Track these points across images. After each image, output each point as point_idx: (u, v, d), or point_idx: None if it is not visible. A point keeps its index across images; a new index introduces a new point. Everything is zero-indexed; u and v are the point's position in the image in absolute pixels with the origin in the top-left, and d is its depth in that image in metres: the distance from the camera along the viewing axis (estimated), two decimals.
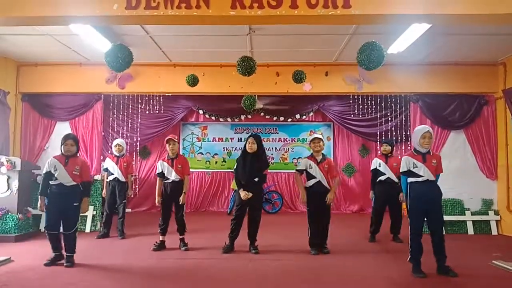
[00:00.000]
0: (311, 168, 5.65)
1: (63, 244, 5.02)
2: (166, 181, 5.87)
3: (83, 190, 5.10)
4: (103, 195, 7.07)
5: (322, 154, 5.76)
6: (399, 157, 6.22)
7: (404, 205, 9.60)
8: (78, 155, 5.16)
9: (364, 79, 7.92)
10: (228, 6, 4.20)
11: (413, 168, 4.61)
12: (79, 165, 5.01)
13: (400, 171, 4.80)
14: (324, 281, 4.44)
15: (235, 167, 5.80)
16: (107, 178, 6.90)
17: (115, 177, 6.79)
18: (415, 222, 4.64)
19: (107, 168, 6.92)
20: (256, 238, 5.74)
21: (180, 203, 5.86)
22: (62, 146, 4.99)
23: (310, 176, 5.68)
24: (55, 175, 4.89)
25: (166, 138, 5.93)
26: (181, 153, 10.66)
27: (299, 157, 10.70)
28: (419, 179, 4.59)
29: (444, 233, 4.83)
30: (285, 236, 6.94)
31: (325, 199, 5.59)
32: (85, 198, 5.12)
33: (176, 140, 5.95)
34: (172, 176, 5.82)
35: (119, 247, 6.12)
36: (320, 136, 5.77)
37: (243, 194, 5.56)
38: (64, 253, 5.00)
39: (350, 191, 10.38)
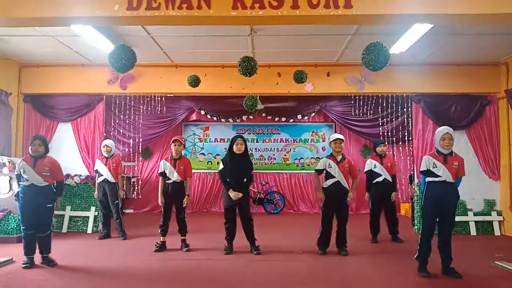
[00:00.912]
0: (330, 167, 5.61)
1: (37, 246, 5.00)
2: (167, 182, 5.86)
3: (56, 190, 5.07)
4: (95, 196, 7.05)
5: (342, 154, 5.74)
6: (393, 157, 6.20)
7: (404, 205, 9.65)
8: (47, 155, 5.08)
9: (366, 80, 7.90)
10: (230, 6, 4.20)
11: (433, 168, 4.59)
12: (48, 166, 4.96)
13: (420, 170, 4.80)
14: (326, 282, 4.43)
15: (220, 168, 5.74)
16: (97, 180, 6.91)
17: (105, 178, 6.80)
18: (427, 222, 4.63)
19: (97, 169, 6.93)
20: (255, 238, 5.74)
21: (184, 205, 5.87)
22: (30, 146, 4.97)
23: (329, 176, 5.63)
24: (26, 177, 4.87)
25: (173, 138, 5.95)
26: (183, 153, 10.68)
27: (301, 158, 10.72)
28: (436, 179, 4.57)
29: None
30: (286, 237, 6.94)
31: (344, 199, 5.56)
32: (57, 198, 5.11)
33: (183, 142, 5.96)
34: (174, 176, 5.81)
35: (121, 248, 6.13)
36: (342, 137, 5.75)
37: (233, 194, 5.53)
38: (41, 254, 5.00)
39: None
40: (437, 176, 4.56)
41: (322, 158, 5.98)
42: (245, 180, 5.66)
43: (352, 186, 5.71)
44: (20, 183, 4.96)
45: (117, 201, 6.84)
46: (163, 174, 5.88)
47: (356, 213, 10.05)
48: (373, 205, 6.71)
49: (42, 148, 5.00)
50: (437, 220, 4.63)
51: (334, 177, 5.58)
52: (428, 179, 4.66)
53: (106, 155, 6.89)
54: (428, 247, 4.59)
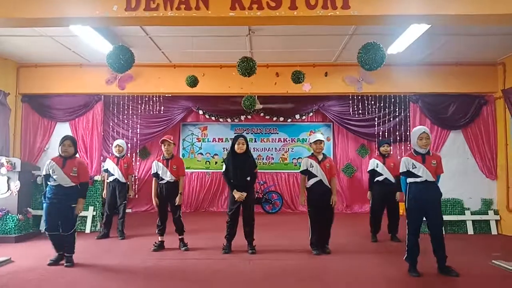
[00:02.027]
0: (312, 167, 5.65)
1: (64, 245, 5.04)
2: (161, 182, 5.86)
3: (80, 190, 5.09)
4: (103, 196, 7.07)
5: (323, 153, 5.79)
6: (398, 157, 6.22)
7: (402, 205, 9.69)
8: (76, 156, 5.13)
9: (364, 80, 7.92)
10: (228, 7, 4.21)
11: (412, 168, 4.63)
12: (76, 167, 4.99)
13: (400, 171, 4.82)
14: (323, 281, 4.45)
15: (224, 169, 5.74)
16: (107, 179, 6.91)
17: (115, 178, 6.79)
18: (412, 222, 4.66)
19: (107, 169, 6.93)
20: (253, 238, 5.75)
21: (176, 204, 5.86)
22: (60, 147, 4.99)
23: (311, 175, 5.67)
24: (54, 177, 4.90)
25: (161, 139, 5.95)
26: (181, 153, 10.70)
27: (299, 157, 10.72)
28: (418, 180, 4.61)
29: (444, 233, 4.84)
30: (285, 236, 6.95)
31: (328, 199, 5.60)
32: (80, 199, 5.10)
33: (172, 142, 5.93)
34: (167, 176, 5.82)
35: (119, 247, 6.13)
36: (322, 138, 5.79)
37: (238, 195, 5.56)
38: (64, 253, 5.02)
39: (350, 191, 10.39)
40: (418, 176, 4.60)
41: (303, 158, 5.98)
42: (248, 179, 5.65)
43: (332, 186, 5.70)
44: (48, 183, 4.97)
45: (126, 201, 6.87)
46: (156, 175, 5.89)
47: (358, 212, 10.09)
48: (373, 204, 6.74)
49: (71, 149, 5.02)
50: (425, 219, 4.66)
51: (316, 176, 5.62)
52: (409, 180, 4.70)
53: (118, 155, 6.89)
54: (417, 247, 4.62)
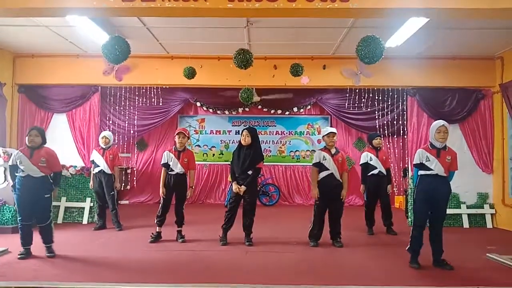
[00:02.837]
0: (325, 159, 5.63)
1: (40, 237, 5.03)
2: (170, 173, 5.86)
3: (53, 181, 5.08)
4: (90, 187, 7.05)
5: (335, 147, 5.78)
6: (388, 150, 6.21)
7: (398, 198, 9.74)
8: (44, 146, 5.07)
9: (362, 73, 7.91)
10: None
11: (426, 161, 4.63)
12: (44, 157, 4.95)
13: (413, 163, 4.84)
14: (320, 273, 4.48)
15: (231, 159, 5.83)
16: (93, 171, 6.90)
17: (101, 169, 6.79)
18: (418, 214, 4.70)
19: (93, 160, 6.92)
20: (251, 231, 5.77)
21: (188, 197, 5.91)
22: (27, 137, 4.96)
23: (323, 168, 5.64)
24: (22, 168, 4.87)
25: (177, 130, 5.95)
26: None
27: (297, 150, 10.76)
28: (428, 172, 4.61)
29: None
30: (282, 229, 6.99)
31: (338, 193, 5.61)
32: (55, 188, 5.12)
33: (187, 135, 5.96)
34: (177, 168, 5.82)
35: (116, 238, 6.15)
36: (335, 131, 5.77)
37: (235, 187, 5.60)
38: (46, 246, 5.04)
39: (348, 184, 10.40)
40: (430, 169, 4.60)
41: (317, 150, 5.97)
42: (250, 172, 5.63)
43: (344, 181, 5.71)
44: (16, 174, 4.95)
45: (113, 193, 6.84)
46: (166, 165, 5.87)
47: (351, 205, 10.12)
48: (368, 197, 6.78)
49: (38, 139, 4.97)
50: (429, 213, 4.68)
51: (328, 170, 5.61)
52: (421, 172, 4.71)
53: (104, 146, 6.87)
54: (420, 239, 4.65)
